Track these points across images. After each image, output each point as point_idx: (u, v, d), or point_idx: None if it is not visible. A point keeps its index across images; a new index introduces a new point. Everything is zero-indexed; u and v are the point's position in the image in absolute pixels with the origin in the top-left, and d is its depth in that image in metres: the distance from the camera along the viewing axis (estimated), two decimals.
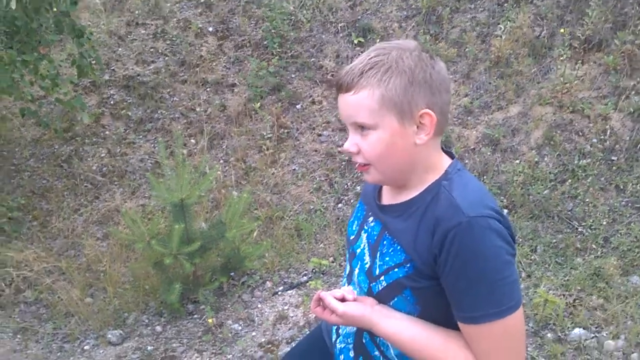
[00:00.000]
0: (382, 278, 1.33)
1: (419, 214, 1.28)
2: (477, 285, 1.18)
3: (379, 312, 1.32)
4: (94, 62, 4.61)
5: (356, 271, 1.44)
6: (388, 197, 1.41)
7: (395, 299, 1.32)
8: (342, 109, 1.30)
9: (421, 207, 1.28)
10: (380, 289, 1.34)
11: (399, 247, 1.30)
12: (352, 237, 1.50)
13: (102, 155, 4.80)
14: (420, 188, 1.32)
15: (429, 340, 1.28)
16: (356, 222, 1.51)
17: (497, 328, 1.19)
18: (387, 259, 1.32)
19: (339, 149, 5.00)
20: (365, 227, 1.44)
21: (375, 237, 1.38)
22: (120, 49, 5.43)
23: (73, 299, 3.73)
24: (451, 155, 1.39)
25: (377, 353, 1.41)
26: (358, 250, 1.44)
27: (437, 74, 1.26)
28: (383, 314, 1.32)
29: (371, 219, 1.43)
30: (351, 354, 1.47)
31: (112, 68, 5.31)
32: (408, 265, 1.27)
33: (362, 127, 1.27)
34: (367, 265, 1.38)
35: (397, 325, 1.30)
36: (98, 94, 5.13)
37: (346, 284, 1.51)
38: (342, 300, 1.36)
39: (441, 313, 1.29)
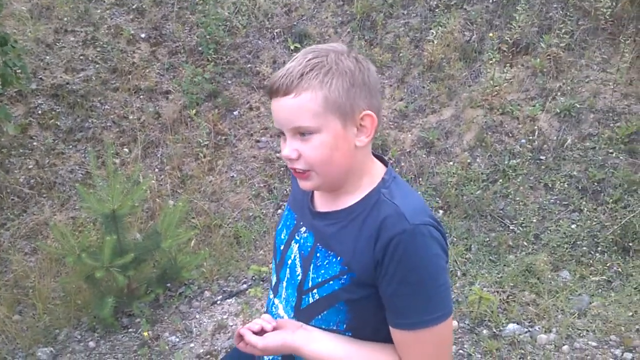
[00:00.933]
0: (314, 291, 1.31)
1: (358, 221, 1.26)
2: (417, 291, 1.19)
3: (301, 337, 1.31)
4: (19, 71, 4.43)
5: (284, 283, 1.41)
6: (322, 204, 1.38)
7: (327, 311, 1.30)
8: (280, 114, 1.25)
9: (361, 215, 1.27)
10: (310, 302, 1.32)
11: (334, 259, 1.28)
12: (282, 247, 1.45)
13: (30, 166, 4.61)
14: (358, 195, 1.30)
15: (356, 357, 1.28)
16: (285, 230, 1.47)
17: (430, 334, 1.21)
18: (322, 271, 1.30)
19: (278, 154, 4.99)
20: (297, 237, 1.40)
21: (309, 249, 1.35)
22: (48, 57, 5.25)
23: (0, 317, 3.56)
24: (384, 161, 1.39)
25: None
26: (289, 261, 1.40)
27: (372, 76, 1.26)
28: (306, 338, 1.30)
29: (303, 229, 1.40)
30: None
31: (40, 77, 5.12)
32: (345, 277, 1.25)
33: (302, 133, 1.23)
34: (298, 278, 1.36)
35: (322, 347, 1.29)
36: (25, 103, 4.94)
37: (272, 296, 1.48)
38: (262, 331, 1.34)
39: (371, 322, 1.29)
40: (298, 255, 1.38)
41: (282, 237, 1.47)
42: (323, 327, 1.32)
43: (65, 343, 3.52)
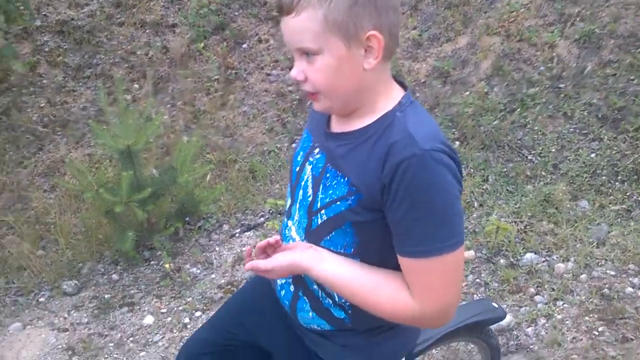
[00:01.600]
0: (322, 211, 1.30)
1: (370, 143, 1.23)
2: (426, 218, 1.16)
3: (310, 256, 1.30)
4: (21, 7, 4.32)
5: (297, 205, 1.41)
6: (338, 125, 1.36)
7: (334, 232, 1.30)
8: (285, 33, 1.22)
9: (373, 136, 1.24)
10: (319, 222, 1.32)
11: (342, 180, 1.26)
12: (297, 169, 1.44)
13: (42, 105, 4.57)
14: (373, 116, 1.27)
15: (365, 281, 1.27)
16: (302, 152, 1.45)
17: (440, 262, 1.18)
18: (330, 192, 1.28)
19: (290, 88, 4.91)
20: (311, 159, 1.39)
21: (320, 170, 1.33)
22: None
23: (24, 253, 3.61)
24: (403, 86, 1.34)
25: (315, 287, 1.41)
26: (302, 183, 1.39)
27: None
28: (315, 258, 1.30)
29: (317, 150, 1.38)
30: (291, 288, 1.46)
31: (44, 13, 5.00)
32: (352, 197, 1.24)
33: (307, 53, 1.20)
34: (309, 199, 1.35)
35: (330, 267, 1.29)
36: (31, 41, 4.84)
37: (285, 218, 1.49)
38: (271, 247, 1.37)
39: (378, 248, 1.28)
40: (310, 177, 1.37)
41: (299, 159, 1.46)
42: (331, 249, 1.32)
43: (89, 276, 3.58)
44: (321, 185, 1.31)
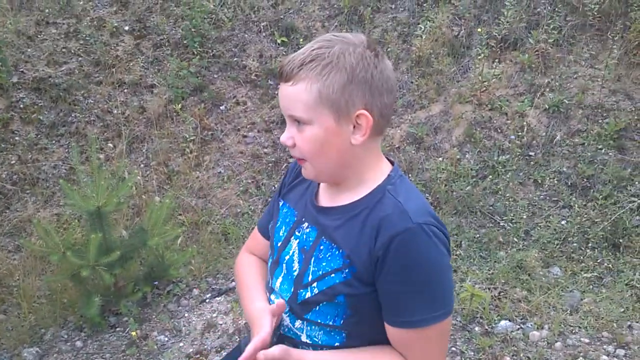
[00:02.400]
0: (314, 285, 1.28)
1: (362, 216, 1.25)
2: (420, 290, 1.18)
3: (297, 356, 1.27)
4: None
5: (279, 280, 1.38)
6: (327, 199, 1.36)
7: (324, 304, 1.27)
8: (281, 99, 1.26)
9: (365, 211, 1.25)
10: (309, 295, 1.29)
11: (337, 252, 1.26)
12: (279, 244, 1.42)
13: (12, 162, 4.50)
14: (362, 191, 1.28)
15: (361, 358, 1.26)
16: (284, 227, 1.43)
17: (433, 332, 1.20)
18: (323, 264, 1.27)
19: (266, 150, 4.93)
20: (297, 233, 1.37)
21: (311, 243, 1.32)
22: (29, 50, 5.12)
23: None
24: (390, 161, 1.37)
25: None
26: (286, 257, 1.37)
27: (380, 73, 1.22)
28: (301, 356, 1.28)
29: (306, 224, 1.37)
30: None
31: (21, 70, 4.99)
32: (347, 270, 1.23)
33: (298, 121, 1.23)
34: (295, 273, 1.33)
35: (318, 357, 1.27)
36: (6, 97, 4.81)
37: (267, 294, 1.45)
38: None
39: (368, 321, 1.27)
40: (297, 251, 1.35)
41: (281, 234, 1.43)
42: (319, 320, 1.29)
43: (52, 343, 3.44)
44: (313, 258, 1.30)
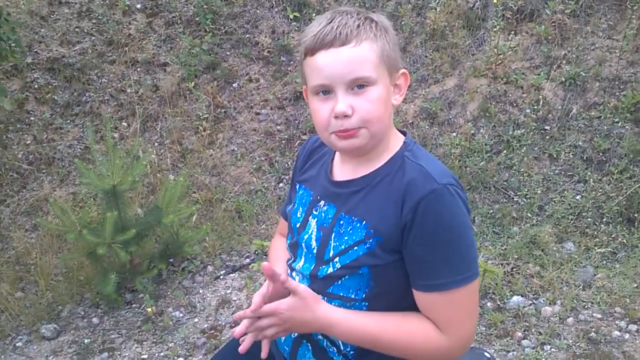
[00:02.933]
0: (336, 259, 1.29)
1: (384, 184, 1.26)
2: (449, 251, 1.19)
3: (324, 314, 1.26)
4: (13, 44, 4.34)
5: (301, 260, 1.39)
6: (343, 174, 1.37)
7: (347, 277, 1.28)
8: (335, 65, 1.20)
9: (386, 178, 1.26)
10: (329, 271, 1.30)
11: (359, 225, 1.26)
12: (297, 225, 1.43)
13: (28, 142, 4.56)
14: (381, 160, 1.30)
15: (388, 325, 1.26)
16: (300, 208, 1.44)
17: (461, 294, 1.21)
18: (345, 238, 1.28)
19: (279, 127, 4.93)
20: (315, 212, 1.38)
21: (330, 220, 1.33)
22: (42, 30, 5.14)
23: (2, 294, 3.55)
24: (402, 132, 1.39)
25: (320, 336, 1.38)
26: (305, 237, 1.38)
27: None
28: (330, 318, 1.26)
29: (322, 202, 1.37)
30: (292, 334, 1.42)
31: (35, 50, 5.02)
32: (371, 240, 1.24)
33: (358, 85, 1.20)
34: (314, 250, 1.34)
35: (352, 323, 1.26)
36: (21, 77, 4.85)
37: (288, 271, 1.47)
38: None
39: (391, 292, 1.28)
40: (316, 230, 1.36)
41: (299, 215, 1.45)
42: (341, 293, 1.30)
43: (69, 319, 3.52)
44: (333, 234, 1.30)
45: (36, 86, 4.83)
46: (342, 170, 1.37)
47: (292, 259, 1.44)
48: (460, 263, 1.20)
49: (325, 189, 1.38)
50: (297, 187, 1.50)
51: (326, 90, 1.23)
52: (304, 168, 1.51)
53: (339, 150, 1.35)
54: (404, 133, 1.37)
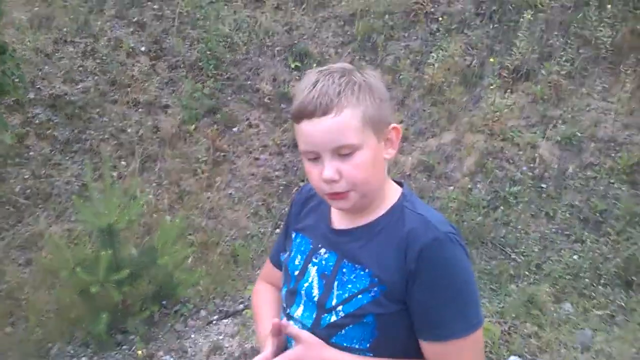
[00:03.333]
0: (339, 308, 1.26)
1: (385, 233, 1.25)
2: (453, 300, 1.18)
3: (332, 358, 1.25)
4: (17, 80, 4.37)
5: (300, 308, 1.36)
6: (343, 222, 1.35)
7: (351, 326, 1.25)
8: (317, 135, 1.21)
9: (387, 227, 1.26)
10: (332, 320, 1.27)
11: (362, 272, 1.24)
12: (296, 273, 1.40)
13: (26, 176, 4.53)
14: (380, 210, 1.29)
15: None
16: (299, 256, 1.41)
17: (470, 341, 1.20)
18: (349, 286, 1.26)
19: (277, 173, 4.95)
20: (315, 260, 1.36)
21: (332, 268, 1.31)
22: (46, 67, 5.19)
23: None
24: (399, 182, 1.38)
25: None
26: (305, 285, 1.35)
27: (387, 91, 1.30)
28: (336, 357, 1.25)
29: (323, 250, 1.35)
30: None
31: (38, 86, 5.06)
32: (375, 289, 1.22)
33: (344, 151, 1.20)
34: (315, 299, 1.31)
35: None
36: (22, 113, 4.86)
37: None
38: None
39: (396, 341, 1.25)
40: (317, 278, 1.33)
41: (297, 263, 1.41)
42: (344, 344, 1.26)
43: (58, 358, 3.44)
44: (336, 282, 1.28)
45: (37, 122, 4.84)
46: (342, 219, 1.36)
47: (288, 306, 1.42)
48: (464, 311, 1.20)
49: (326, 237, 1.37)
50: (294, 235, 1.47)
51: (314, 157, 1.24)
52: (299, 216, 1.48)
53: (337, 209, 1.35)
54: (400, 184, 1.37)
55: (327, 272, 1.32)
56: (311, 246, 1.40)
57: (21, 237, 4.17)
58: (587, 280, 3.94)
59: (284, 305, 1.43)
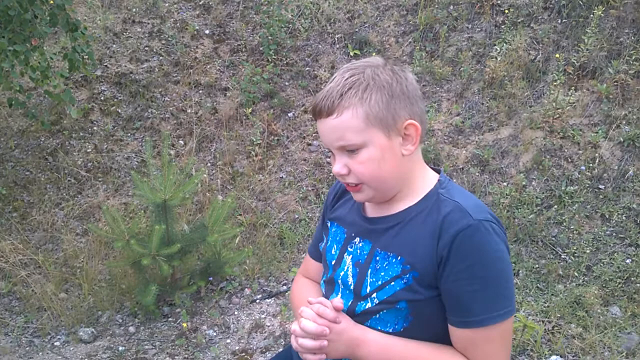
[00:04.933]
0: (373, 295, 1.30)
1: (419, 220, 1.27)
2: (484, 287, 1.19)
3: (360, 334, 1.30)
4: (86, 57, 4.57)
5: (338, 296, 1.40)
6: (376, 211, 1.38)
7: (385, 311, 1.29)
8: (325, 134, 1.28)
9: (421, 214, 1.28)
10: (367, 307, 1.32)
11: (394, 260, 1.27)
12: (333, 262, 1.45)
13: (88, 150, 4.75)
14: (414, 198, 1.31)
15: (422, 353, 1.26)
16: (335, 245, 1.46)
17: (498, 330, 1.21)
18: (382, 274, 1.29)
19: (329, 159, 4.98)
20: (350, 249, 1.40)
21: (366, 256, 1.34)
22: (114, 46, 5.40)
23: (47, 294, 3.67)
24: (437, 170, 1.39)
25: None
26: (341, 273, 1.40)
27: (411, 84, 1.29)
28: (365, 337, 1.30)
29: (357, 239, 1.39)
30: None
31: (105, 64, 5.27)
32: (407, 275, 1.25)
33: (349, 149, 1.26)
34: (351, 287, 1.35)
35: (383, 340, 1.28)
36: (89, 89, 5.09)
37: None
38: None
39: (429, 326, 1.28)
40: (351, 266, 1.37)
41: (333, 252, 1.46)
42: (379, 327, 1.31)
43: (107, 325, 3.59)
44: (369, 270, 1.32)
45: (102, 98, 5.05)
46: (375, 208, 1.39)
47: (328, 295, 1.45)
48: (495, 300, 1.20)
49: (359, 225, 1.40)
50: (329, 224, 1.52)
51: (330, 152, 1.32)
52: (335, 206, 1.53)
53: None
54: (437, 171, 1.38)
55: (361, 260, 1.35)
56: (345, 235, 1.44)
57: (80, 208, 4.37)
58: (638, 285, 3.80)
59: (324, 294, 1.47)
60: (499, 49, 5.22)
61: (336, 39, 5.72)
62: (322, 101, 1.25)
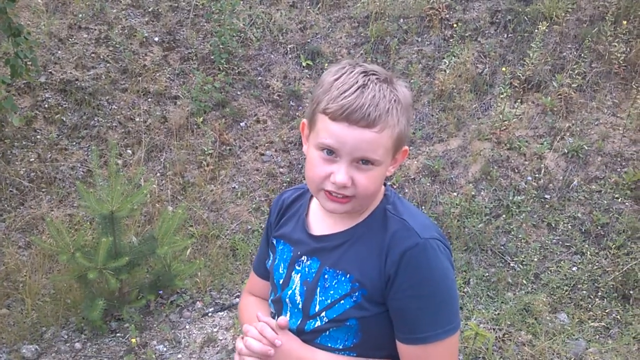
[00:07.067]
0: (323, 314, 1.29)
1: (367, 238, 1.27)
2: (429, 305, 1.21)
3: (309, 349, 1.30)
4: (29, 63, 4.40)
5: (287, 315, 1.37)
6: (322, 227, 1.36)
7: (333, 329, 1.28)
8: (350, 141, 1.19)
9: (368, 232, 1.27)
10: (316, 325, 1.30)
11: (344, 278, 1.27)
12: (280, 282, 1.41)
13: (32, 159, 4.56)
14: (364, 214, 1.31)
15: None
16: (282, 264, 1.42)
17: (444, 346, 1.22)
18: (331, 292, 1.28)
19: (282, 169, 4.95)
20: (297, 267, 1.37)
21: (314, 275, 1.32)
22: (59, 52, 5.23)
23: None
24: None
25: None
26: (289, 292, 1.37)
27: None
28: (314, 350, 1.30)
29: (304, 258, 1.36)
30: None
31: (50, 71, 5.09)
32: (356, 293, 1.25)
33: (365, 162, 1.21)
34: (299, 306, 1.33)
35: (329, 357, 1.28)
36: (32, 96, 4.90)
37: None
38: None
39: (378, 341, 1.28)
40: (299, 285, 1.35)
41: (281, 271, 1.42)
42: (329, 345, 1.30)
43: (51, 342, 3.45)
44: (318, 288, 1.30)
45: (46, 106, 4.87)
46: (322, 224, 1.37)
47: (276, 315, 1.42)
48: (440, 316, 1.21)
49: (307, 244, 1.37)
50: (275, 242, 1.47)
51: (331, 152, 1.22)
52: (279, 223, 1.49)
53: (325, 208, 1.31)
54: (384, 184, 1.36)
55: (309, 279, 1.33)
56: (292, 254, 1.41)
57: (22, 220, 4.19)
58: (584, 292, 3.93)
59: (274, 313, 1.44)
60: (447, 62, 5.33)
61: (288, 49, 5.71)
62: (366, 109, 1.17)
